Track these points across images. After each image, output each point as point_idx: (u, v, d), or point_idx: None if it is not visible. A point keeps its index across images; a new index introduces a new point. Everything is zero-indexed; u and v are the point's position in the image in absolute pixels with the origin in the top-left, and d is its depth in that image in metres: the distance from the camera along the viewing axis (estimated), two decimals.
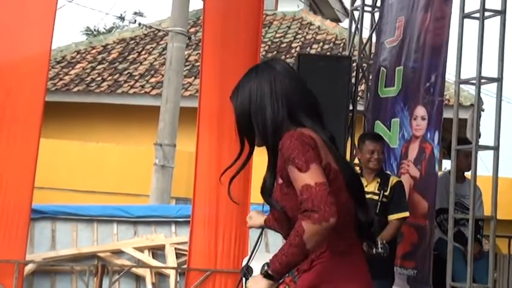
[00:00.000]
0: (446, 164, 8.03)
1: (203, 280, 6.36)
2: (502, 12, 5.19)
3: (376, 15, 7.10)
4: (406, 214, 5.20)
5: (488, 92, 7.33)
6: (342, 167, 2.47)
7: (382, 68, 6.49)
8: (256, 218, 3.06)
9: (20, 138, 6.16)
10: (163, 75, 11.37)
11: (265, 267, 2.40)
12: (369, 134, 6.03)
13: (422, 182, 5.68)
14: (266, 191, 2.59)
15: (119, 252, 7.40)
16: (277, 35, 14.95)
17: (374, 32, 7.07)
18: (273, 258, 2.37)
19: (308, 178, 2.30)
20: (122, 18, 21.73)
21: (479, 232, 6.02)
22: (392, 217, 5.15)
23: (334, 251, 2.42)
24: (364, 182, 5.00)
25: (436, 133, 5.58)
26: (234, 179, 2.68)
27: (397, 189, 5.22)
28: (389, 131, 6.22)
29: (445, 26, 5.59)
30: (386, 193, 5.16)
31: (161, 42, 14.79)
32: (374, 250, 4.35)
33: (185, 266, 6.61)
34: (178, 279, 6.88)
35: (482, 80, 5.20)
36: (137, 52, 14.63)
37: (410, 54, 6.06)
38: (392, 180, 5.28)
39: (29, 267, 6.85)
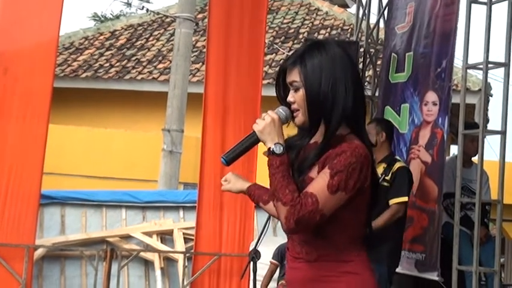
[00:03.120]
0: (455, 150, 8.04)
1: (210, 264, 6.40)
2: None
3: (384, 0, 7.08)
4: (405, 199, 5.23)
5: (497, 77, 7.32)
6: (372, 184, 2.43)
7: (393, 54, 6.49)
8: (235, 181, 2.77)
9: (29, 124, 6.19)
10: (171, 61, 11.37)
11: (275, 148, 2.35)
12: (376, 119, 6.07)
13: (434, 167, 5.69)
14: (301, 168, 2.42)
15: (127, 237, 7.46)
16: (285, 21, 14.92)
17: (381, 17, 7.06)
18: (274, 170, 2.33)
19: (323, 196, 2.28)
20: (128, 4, 21.69)
21: (486, 216, 6.04)
22: (391, 201, 5.20)
23: (344, 256, 2.40)
24: None
25: (446, 118, 5.59)
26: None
27: (398, 174, 5.26)
28: (399, 116, 6.22)
29: (455, 12, 5.58)
30: (388, 177, 5.22)
31: (169, 28, 14.78)
32: None
33: (193, 251, 6.65)
34: (186, 263, 6.93)
35: (490, 65, 5.20)
36: (145, 38, 14.64)
37: (420, 39, 6.05)
38: (396, 165, 5.32)
39: (38, 252, 6.91)
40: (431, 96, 5.78)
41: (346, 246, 2.39)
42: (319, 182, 2.30)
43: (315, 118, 2.42)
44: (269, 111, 2.45)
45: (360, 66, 6.97)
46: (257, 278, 4.47)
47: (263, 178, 2.64)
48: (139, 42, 14.46)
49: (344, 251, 2.39)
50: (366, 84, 7.26)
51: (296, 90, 2.45)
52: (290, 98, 2.46)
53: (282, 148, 2.36)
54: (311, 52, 2.45)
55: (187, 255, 6.96)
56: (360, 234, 2.43)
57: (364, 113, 2.48)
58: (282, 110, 2.47)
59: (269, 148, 2.38)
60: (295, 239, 2.47)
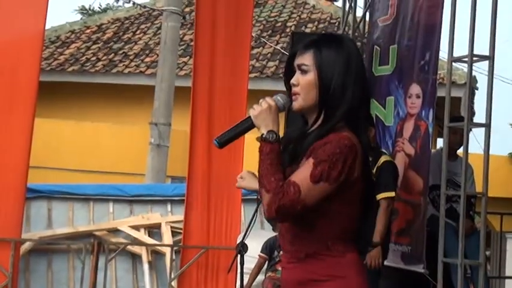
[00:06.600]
0: (442, 143, 8.09)
1: (198, 258, 6.42)
2: None
3: None
4: (392, 194, 5.23)
5: (483, 71, 7.34)
6: (365, 181, 2.41)
7: (375, 47, 6.50)
8: (250, 180, 2.68)
9: (15, 118, 6.17)
10: (158, 55, 11.36)
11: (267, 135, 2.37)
12: None
13: (417, 159, 5.72)
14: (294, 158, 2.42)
15: (115, 231, 7.45)
16: (272, 14, 14.91)
17: (368, 10, 7.08)
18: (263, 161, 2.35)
19: (306, 185, 2.27)
20: None
21: (471, 209, 6.07)
22: (379, 196, 5.16)
23: (333, 253, 2.37)
24: None
25: (430, 111, 5.61)
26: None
27: (384, 169, 5.26)
28: (385, 109, 6.24)
29: (439, 5, 5.60)
30: (373, 171, 5.20)
31: (156, 22, 14.74)
32: None
33: (181, 244, 6.66)
34: (174, 257, 6.93)
35: (475, 58, 5.22)
36: (132, 32, 14.60)
37: (404, 32, 6.07)
38: (381, 160, 5.32)
39: (25, 246, 6.90)
40: (414, 89, 5.80)
41: (335, 242, 2.36)
42: (302, 172, 2.30)
43: (321, 106, 2.39)
44: (267, 97, 2.43)
45: None
46: (244, 271, 4.48)
47: (250, 167, 2.64)
48: (126, 35, 14.42)
49: (333, 247, 2.36)
50: None
51: (303, 73, 2.40)
52: (294, 81, 2.43)
53: (274, 136, 2.35)
54: (328, 43, 2.42)
55: (174, 248, 6.96)
56: (350, 230, 2.39)
57: (366, 113, 2.50)
58: (279, 98, 2.45)
59: (262, 134, 2.38)
60: (286, 236, 2.45)
